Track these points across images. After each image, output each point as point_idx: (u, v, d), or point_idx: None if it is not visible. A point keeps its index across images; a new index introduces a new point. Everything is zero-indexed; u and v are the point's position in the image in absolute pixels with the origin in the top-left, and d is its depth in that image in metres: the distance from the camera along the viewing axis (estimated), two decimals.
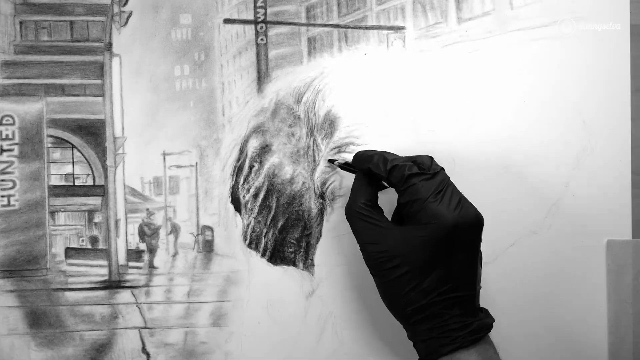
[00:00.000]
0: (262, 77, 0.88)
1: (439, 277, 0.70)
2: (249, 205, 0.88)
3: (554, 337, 0.85)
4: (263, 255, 0.87)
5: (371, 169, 0.74)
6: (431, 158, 0.75)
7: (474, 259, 0.73)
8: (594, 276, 0.86)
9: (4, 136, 0.86)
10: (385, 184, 0.76)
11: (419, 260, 0.70)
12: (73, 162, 0.87)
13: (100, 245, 0.87)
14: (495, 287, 0.85)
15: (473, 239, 0.72)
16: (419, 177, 0.71)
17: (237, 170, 0.88)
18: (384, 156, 0.74)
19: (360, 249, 0.75)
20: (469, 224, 0.71)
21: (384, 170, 0.73)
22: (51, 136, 0.87)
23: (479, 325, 0.72)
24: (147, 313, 0.87)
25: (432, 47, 0.87)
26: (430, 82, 0.86)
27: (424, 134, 0.85)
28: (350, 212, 0.75)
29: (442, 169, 0.74)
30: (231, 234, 0.87)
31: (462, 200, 0.72)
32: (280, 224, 0.87)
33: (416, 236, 0.70)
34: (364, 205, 0.74)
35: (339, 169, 0.82)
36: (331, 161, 0.83)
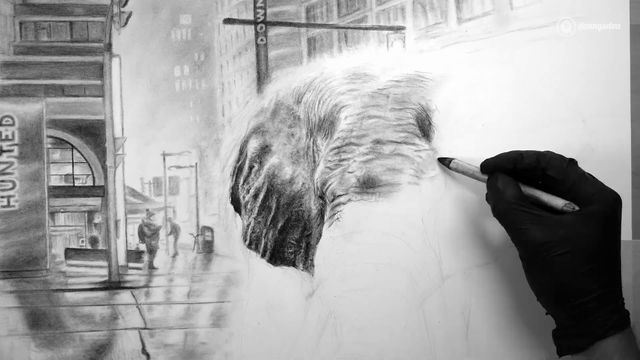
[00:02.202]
0: (262, 77, 0.87)
1: (610, 259, 0.71)
2: (248, 206, 0.87)
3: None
4: (263, 255, 0.87)
5: (524, 167, 0.75)
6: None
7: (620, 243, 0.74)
8: None
9: (3, 137, 0.86)
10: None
11: (592, 241, 0.69)
12: (73, 162, 0.87)
13: (100, 246, 0.87)
14: (496, 288, 0.85)
15: (621, 220, 0.73)
16: (571, 163, 0.74)
17: (237, 171, 0.88)
18: (536, 153, 0.75)
19: (518, 244, 0.73)
20: (620, 201, 0.72)
21: (540, 166, 0.74)
22: (51, 137, 0.87)
23: (628, 311, 0.73)
24: (147, 314, 0.87)
25: (432, 47, 0.87)
26: (429, 83, 0.86)
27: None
28: (507, 207, 0.73)
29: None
30: (231, 234, 0.87)
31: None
32: (280, 224, 0.87)
33: (587, 215, 0.70)
34: (520, 198, 0.73)
35: (454, 172, 0.82)
36: (442, 160, 0.83)
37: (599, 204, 0.70)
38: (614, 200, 0.71)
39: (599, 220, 0.70)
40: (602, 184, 0.72)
